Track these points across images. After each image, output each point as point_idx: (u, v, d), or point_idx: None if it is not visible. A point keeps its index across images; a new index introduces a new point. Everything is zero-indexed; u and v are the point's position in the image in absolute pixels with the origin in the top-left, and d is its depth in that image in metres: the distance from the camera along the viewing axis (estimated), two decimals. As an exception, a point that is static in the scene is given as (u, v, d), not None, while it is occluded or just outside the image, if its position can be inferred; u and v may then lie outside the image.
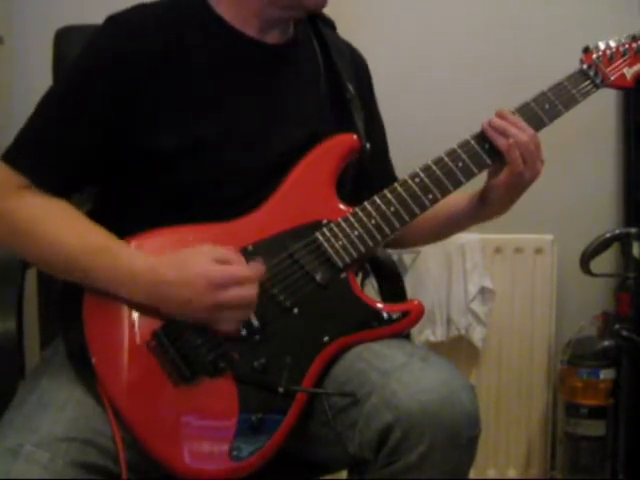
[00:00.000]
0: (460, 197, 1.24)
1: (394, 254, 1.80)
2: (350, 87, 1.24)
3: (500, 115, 1.16)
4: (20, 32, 1.91)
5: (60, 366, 1.09)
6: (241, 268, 1.02)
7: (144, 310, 1.04)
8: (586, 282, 2.04)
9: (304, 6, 1.15)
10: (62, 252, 1.05)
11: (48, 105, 1.12)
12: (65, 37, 1.45)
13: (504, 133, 1.14)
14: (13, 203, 1.07)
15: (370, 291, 1.30)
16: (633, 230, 2.01)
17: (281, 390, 1.03)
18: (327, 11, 1.23)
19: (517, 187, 1.18)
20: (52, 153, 1.09)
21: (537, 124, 1.18)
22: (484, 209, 1.24)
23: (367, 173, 1.23)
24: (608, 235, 1.99)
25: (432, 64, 2.09)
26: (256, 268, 1.03)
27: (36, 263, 1.12)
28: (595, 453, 2.00)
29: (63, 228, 1.06)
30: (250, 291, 1.01)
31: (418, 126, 1.99)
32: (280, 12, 1.15)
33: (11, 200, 1.07)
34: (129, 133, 1.09)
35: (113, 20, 1.12)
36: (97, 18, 1.15)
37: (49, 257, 1.06)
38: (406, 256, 2.04)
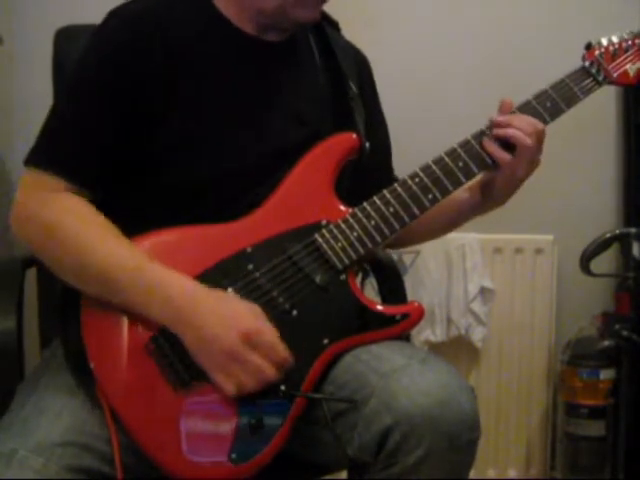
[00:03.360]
0: (460, 191, 1.23)
1: (394, 254, 1.80)
2: (353, 86, 1.24)
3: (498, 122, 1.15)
4: (20, 32, 1.91)
5: (58, 369, 1.08)
6: (281, 345, 1.00)
7: (142, 314, 1.03)
8: (586, 282, 2.04)
9: (294, 20, 1.15)
10: (91, 263, 1.02)
11: (61, 104, 1.13)
12: (65, 37, 1.45)
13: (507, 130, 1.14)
14: (45, 206, 1.05)
15: (370, 291, 1.30)
16: (633, 230, 2.01)
17: (281, 393, 1.02)
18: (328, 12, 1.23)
19: (515, 181, 1.17)
20: (75, 148, 1.08)
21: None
22: (484, 202, 1.24)
23: (367, 172, 1.23)
24: (608, 235, 1.99)
25: (432, 64, 2.09)
26: (289, 355, 1.00)
27: (64, 274, 1.06)
28: (595, 453, 2.00)
29: (96, 237, 1.03)
30: (272, 370, 0.98)
31: (418, 126, 2.00)
32: (272, 21, 1.15)
33: (43, 202, 1.06)
34: (132, 126, 1.09)
35: (114, 13, 1.13)
36: (97, 18, 1.16)
37: (76, 267, 1.04)
38: (406, 256, 2.04)
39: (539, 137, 1.14)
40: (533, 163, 1.16)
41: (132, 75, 1.09)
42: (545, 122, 1.17)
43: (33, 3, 1.93)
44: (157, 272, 1.02)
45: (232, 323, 0.98)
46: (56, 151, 1.09)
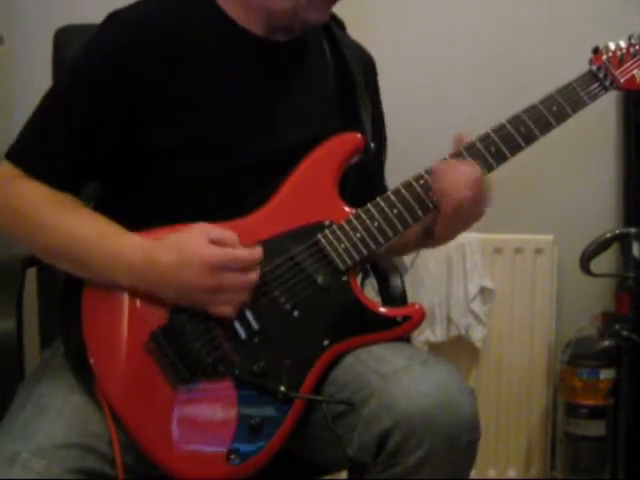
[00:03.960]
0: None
1: (394, 254, 1.79)
2: (361, 86, 1.23)
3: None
4: (20, 32, 1.91)
5: (58, 369, 1.08)
6: (240, 251, 1.02)
7: (142, 311, 1.04)
8: (586, 282, 2.04)
9: (304, 21, 1.14)
10: (60, 240, 1.05)
11: (49, 101, 1.12)
12: (65, 37, 1.45)
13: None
14: (14, 191, 1.08)
15: (370, 291, 1.30)
16: (633, 230, 2.01)
17: (280, 394, 1.02)
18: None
19: (458, 226, 1.15)
20: (53, 149, 1.09)
21: (544, 126, 1.16)
22: (429, 240, 1.20)
23: (370, 173, 1.22)
24: (608, 235, 1.99)
25: (436, 67, 2.09)
26: (254, 251, 1.04)
27: (35, 251, 1.11)
28: (595, 453, 2.01)
29: (62, 216, 1.06)
30: (250, 274, 1.02)
31: (421, 128, 2.00)
32: (282, 22, 1.15)
33: (12, 189, 1.08)
34: (129, 128, 1.09)
35: (114, 15, 1.13)
36: (97, 18, 1.15)
37: (48, 245, 1.07)
38: (406, 256, 2.04)
39: (474, 188, 1.10)
40: (475, 210, 1.12)
41: (130, 77, 1.08)
42: (551, 126, 1.17)
43: (33, 3, 1.93)
44: (115, 239, 1.04)
45: (192, 262, 1.00)
46: (38, 155, 1.09)
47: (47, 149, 1.09)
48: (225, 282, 1.01)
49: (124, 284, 1.04)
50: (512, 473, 2.14)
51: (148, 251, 1.03)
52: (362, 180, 1.21)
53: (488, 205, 1.13)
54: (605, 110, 2.12)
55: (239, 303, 1.03)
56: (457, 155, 1.13)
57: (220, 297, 1.02)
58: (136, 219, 1.08)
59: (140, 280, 1.03)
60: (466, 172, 1.10)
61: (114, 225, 1.06)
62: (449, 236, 1.17)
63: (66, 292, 1.10)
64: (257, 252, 1.04)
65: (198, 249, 1.01)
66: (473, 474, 1.02)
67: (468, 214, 1.12)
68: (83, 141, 1.09)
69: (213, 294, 1.01)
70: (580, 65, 1.23)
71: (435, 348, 2.06)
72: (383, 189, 1.15)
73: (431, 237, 1.18)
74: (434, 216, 1.13)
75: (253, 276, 1.03)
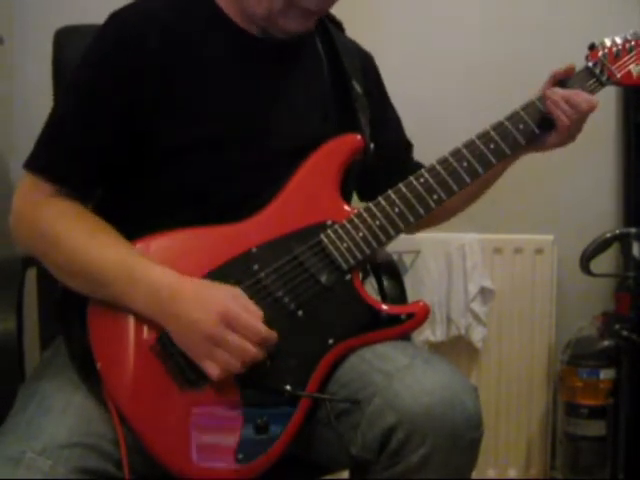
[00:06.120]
0: None
1: (394, 254, 1.80)
2: (357, 87, 1.24)
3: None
4: (20, 32, 1.91)
5: (61, 368, 1.08)
6: (259, 323, 1.00)
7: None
8: (586, 282, 2.04)
9: (282, 29, 1.14)
10: (79, 265, 1.05)
11: (61, 106, 1.13)
12: (65, 37, 1.45)
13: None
14: (37, 211, 1.08)
15: (370, 291, 1.30)
16: (633, 230, 2.01)
17: (286, 393, 1.02)
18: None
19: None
20: (71, 153, 1.10)
21: (541, 123, 1.18)
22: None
23: (382, 170, 1.22)
24: (608, 235, 1.99)
25: (435, 67, 2.09)
26: (270, 333, 1.01)
27: (56, 273, 1.09)
28: (595, 453, 2.00)
29: (85, 241, 1.05)
30: (253, 348, 0.99)
31: (423, 127, 1.99)
32: (265, 27, 1.15)
33: (36, 208, 1.08)
34: (132, 128, 1.09)
35: (115, 15, 1.13)
36: (97, 18, 1.15)
37: (66, 268, 1.06)
38: (406, 256, 2.04)
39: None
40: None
41: (132, 77, 1.08)
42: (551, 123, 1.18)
43: (33, 3, 1.93)
44: (140, 265, 1.03)
45: (210, 307, 0.99)
46: (51, 158, 1.10)
47: (65, 154, 1.10)
48: (228, 339, 0.98)
49: (135, 308, 1.03)
50: (512, 473, 2.14)
51: (173, 282, 1.02)
52: (364, 180, 1.21)
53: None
54: (605, 110, 2.12)
55: (229, 368, 0.99)
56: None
57: (215, 352, 0.99)
58: (139, 221, 1.09)
59: (154, 305, 1.02)
60: (587, 99, 1.18)
61: (136, 252, 1.05)
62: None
63: (67, 293, 1.09)
64: (272, 335, 1.02)
65: (223, 298, 1.00)
66: (473, 474, 1.02)
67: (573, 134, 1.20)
68: (98, 142, 1.10)
69: (209, 344, 0.99)
70: (580, 65, 1.24)
71: (435, 348, 2.06)
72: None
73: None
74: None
75: (256, 351, 0.99)
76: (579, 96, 1.18)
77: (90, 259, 1.04)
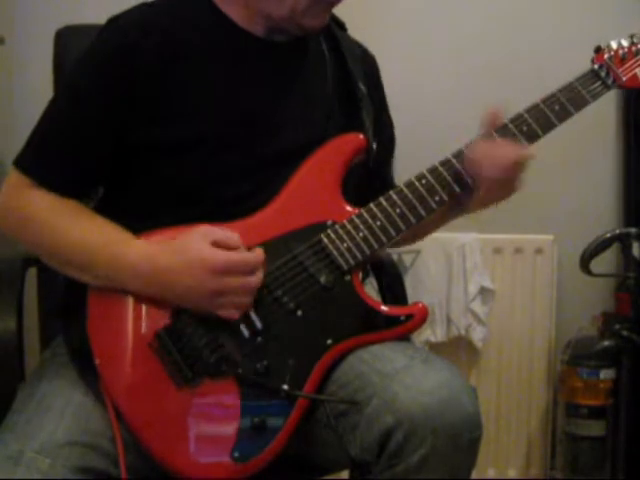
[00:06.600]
0: None
1: (394, 254, 1.80)
2: (362, 86, 1.24)
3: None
4: (20, 32, 1.91)
5: (60, 368, 1.09)
6: (243, 254, 1.03)
7: (147, 311, 1.05)
8: (586, 282, 2.04)
9: (302, 27, 1.14)
10: (65, 249, 1.06)
11: (54, 107, 1.13)
12: (65, 37, 1.45)
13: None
14: (22, 200, 1.09)
15: (370, 291, 1.30)
16: (633, 230, 2.01)
17: (283, 393, 1.03)
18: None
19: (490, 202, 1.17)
20: (60, 155, 1.10)
21: (546, 125, 1.17)
22: (461, 212, 1.22)
23: (373, 173, 1.22)
24: (608, 235, 1.99)
25: (440, 68, 2.09)
26: (257, 253, 1.04)
27: (42, 257, 1.12)
28: (595, 453, 2.00)
29: (68, 224, 1.07)
30: (253, 277, 1.02)
31: (423, 131, 1.99)
32: (279, 26, 1.15)
33: (21, 197, 1.09)
34: (131, 130, 1.09)
35: (114, 19, 1.13)
36: (97, 18, 1.16)
37: (54, 252, 1.08)
38: (406, 256, 2.04)
39: (516, 168, 1.12)
40: (509, 186, 1.14)
41: (129, 85, 1.08)
42: (553, 125, 1.17)
43: (34, 3, 1.93)
44: (120, 245, 1.05)
45: (195, 268, 1.01)
46: (38, 160, 1.11)
47: (53, 158, 1.10)
48: (228, 285, 1.01)
49: (131, 289, 1.04)
50: (512, 473, 2.14)
51: (151, 256, 1.03)
52: (365, 180, 1.21)
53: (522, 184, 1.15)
54: (605, 110, 2.12)
55: (243, 305, 1.03)
56: (487, 136, 1.14)
57: (223, 300, 1.02)
58: (137, 220, 1.09)
59: (145, 285, 1.04)
60: (505, 154, 1.12)
61: (120, 231, 1.07)
62: (483, 207, 1.18)
63: (68, 291, 1.11)
64: (259, 254, 1.04)
65: (200, 253, 1.01)
66: (473, 474, 1.03)
67: (501, 194, 1.15)
68: (88, 147, 1.10)
69: (216, 298, 1.02)
70: (585, 67, 1.24)
71: (435, 348, 2.06)
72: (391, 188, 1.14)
73: (463, 209, 1.20)
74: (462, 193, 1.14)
75: (256, 279, 1.03)
76: (504, 149, 1.12)
77: (73, 241, 1.06)
